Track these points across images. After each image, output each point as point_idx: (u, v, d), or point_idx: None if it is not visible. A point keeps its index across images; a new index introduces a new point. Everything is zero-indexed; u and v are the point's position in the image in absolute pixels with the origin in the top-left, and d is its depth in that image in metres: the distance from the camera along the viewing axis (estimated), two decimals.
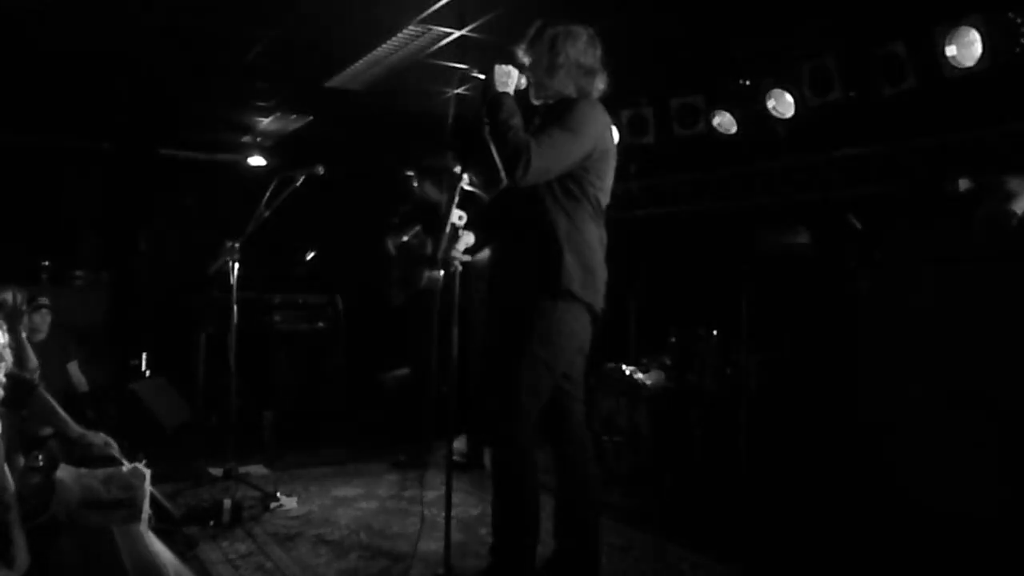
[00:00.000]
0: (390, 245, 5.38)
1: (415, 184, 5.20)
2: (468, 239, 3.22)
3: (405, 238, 5.30)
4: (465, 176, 3.34)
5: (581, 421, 3.12)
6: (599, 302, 2.98)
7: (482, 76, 2.88)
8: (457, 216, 3.17)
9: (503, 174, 2.81)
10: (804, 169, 5.16)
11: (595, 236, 2.96)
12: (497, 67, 2.86)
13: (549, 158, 2.76)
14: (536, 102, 3.01)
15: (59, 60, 5.25)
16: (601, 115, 2.95)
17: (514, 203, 3.00)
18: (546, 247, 2.87)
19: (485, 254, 3.38)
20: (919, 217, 4.51)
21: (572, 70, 2.95)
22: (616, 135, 5.64)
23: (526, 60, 2.96)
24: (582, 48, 2.96)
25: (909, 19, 4.07)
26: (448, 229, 3.15)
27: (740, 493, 4.53)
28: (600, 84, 3.01)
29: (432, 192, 5.09)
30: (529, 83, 2.96)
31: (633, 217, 6.43)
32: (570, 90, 2.97)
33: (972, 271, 4.06)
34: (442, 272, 3.24)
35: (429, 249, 5.11)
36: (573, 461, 3.07)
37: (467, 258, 3.20)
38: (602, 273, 3.00)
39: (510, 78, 2.87)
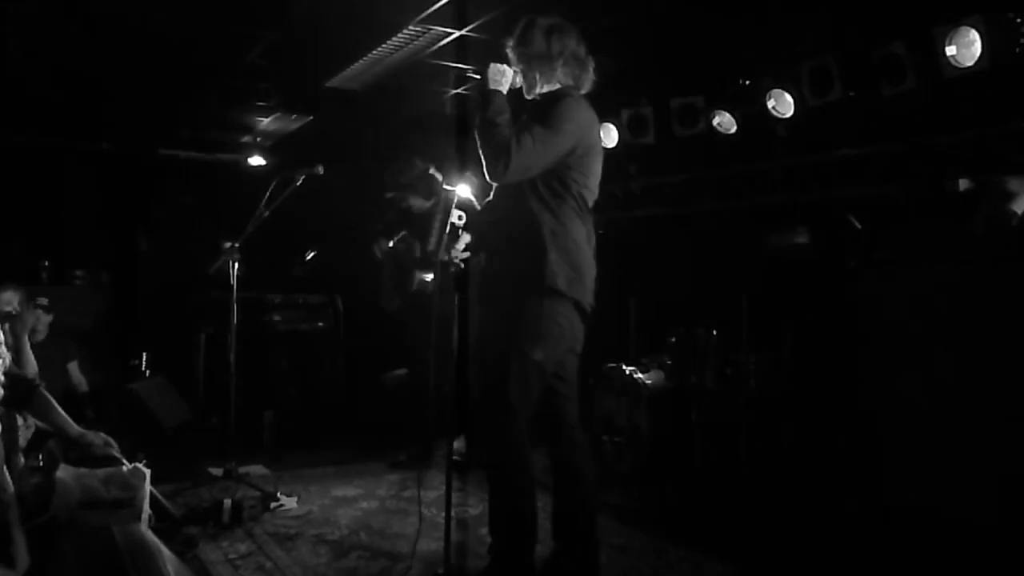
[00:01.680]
0: (377, 251, 5.38)
1: (400, 203, 5.22)
2: (468, 238, 3.22)
3: (391, 243, 5.30)
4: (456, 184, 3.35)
5: (575, 422, 3.11)
6: (587, 299, 2.98)
7: (478, 76, 2.89)
8: (457, 216, 3.17)
9: (484, 170, 2.81)
10: (804, 169, 5.16)
11: (581, 233, 2.95)
12: (492, 65, 2.88)
13: (529, 156, 2.77)
14: (530, 98, 3.01)
15: (59, 60, 5.25)
16: (585, 111, 2.95)
17: (500, 203, 3.00)
18: (531, 245, 2.87)
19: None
20: (919, 217, 4.51)
21: (570, 60, 2.96)
22: (616, 135, 5.64)
23: (518, 54, 2.96)
24: (575, 40, 2.98)
25: (909, 19, 4.07)
26: (448, 229, 3.16)
27: (740, 493, 4.53)
28: (592, 76, 3.03)
29: (417, 203, 5.11)
30: (525, 79, 2.96)
31: (633, 217, 6.42)
32: (568, 80, 2.98)
33: (972, 271, 4.06)
34: (431, 276, 3.18)
35: (418, 252, 5.12)
36: (567, 462, 3.07)
37: (467, 255, 3.20)
38: (590, 270, 2.99)
39: (504, 76, 2.88)
